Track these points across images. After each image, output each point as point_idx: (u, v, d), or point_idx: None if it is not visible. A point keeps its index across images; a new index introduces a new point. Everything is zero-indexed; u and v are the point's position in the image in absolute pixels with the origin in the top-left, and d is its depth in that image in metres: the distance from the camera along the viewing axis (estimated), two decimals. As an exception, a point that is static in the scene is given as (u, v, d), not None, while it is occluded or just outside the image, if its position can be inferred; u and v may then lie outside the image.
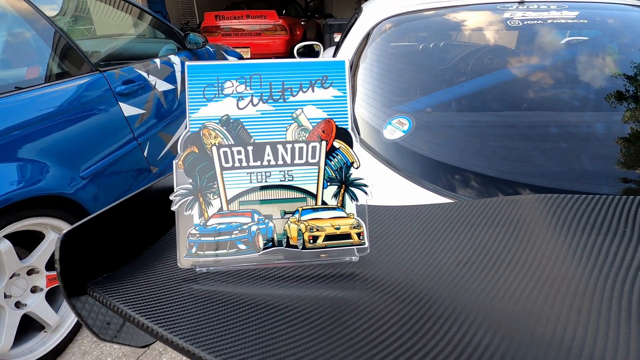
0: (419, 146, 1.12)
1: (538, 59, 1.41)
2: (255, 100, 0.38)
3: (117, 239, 0.38)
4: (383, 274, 0.37)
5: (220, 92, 0.37)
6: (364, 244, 0.38)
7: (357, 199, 0.39)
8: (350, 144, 0.39)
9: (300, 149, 0.38)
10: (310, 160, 0.38)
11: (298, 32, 7.07)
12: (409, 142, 1.15)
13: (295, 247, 0.38)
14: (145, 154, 2.42)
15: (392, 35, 1.67)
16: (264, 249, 0.37)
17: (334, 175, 0.38)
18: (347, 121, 0.39)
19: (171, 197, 0.36)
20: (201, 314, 0.31)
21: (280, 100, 0.38)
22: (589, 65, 1.41)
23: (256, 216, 0.38)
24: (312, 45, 3.07)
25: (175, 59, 2.95)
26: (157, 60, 2.72)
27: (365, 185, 0.39)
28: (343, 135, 0.39)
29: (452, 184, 0.98)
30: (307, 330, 0.29)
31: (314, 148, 0.38)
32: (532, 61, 1.37)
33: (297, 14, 7.94)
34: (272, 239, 0.38)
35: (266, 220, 0.38)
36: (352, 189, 0.39)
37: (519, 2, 1.64)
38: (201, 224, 0.37)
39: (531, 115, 1.17)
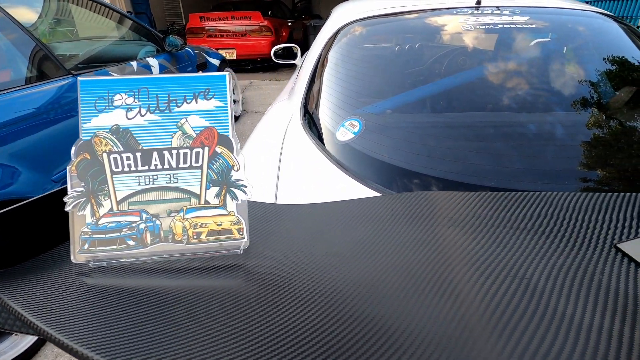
0: (367, 147, 1.18)
1: (488, 62, 1.47)
2: (143, 111, 0.42)
3: (15, 240, 0.42)
4: (263, 265, 0.42)
5: (110, 104, 0.42)
6: (244, 238, 0.43)
7: (237, 198, 0.43)
8: (231, 149, 0.43)
9: (185, 154, 0.43)
10: (194, 164, 0.43)
11: (284, 33, 7.11)
12: (358, 143, 1.20)
13: (181, 242, 0.42)
14: (121, 156, 2.44)
15: (353, 39, 1.72)
16: (151, 244, 0.42)
17: (216, 177, 0.43)
18: (228, 129, 0.43)
19: (65, 199, 0.41)
20: (88, 306, 0.36)
21: (166, 111, 0.42)
22: (537, 68, 1.47)
23: (144, 215, 0.42)
24: (291, 47, 3.11)
25: (153, 62, 2.97)
26: (134, 63, 2.74)
27: (245, 186, 0.43)
28: (224, 141, 0.43)
29: (395, 184, 1.03)
30: (189, 318, 0.33)
31: (197, 153, 0.43)
32: (482, 64, 1.43)
33: (284, 15, 7.96)
34: (159, 235, 0.42)
35: (153, 219, 0.42)
36: (232, 189, 0.43)
37: (475, 7, 1.70)
38: (93, 222, 0.41)
39: (473, 116, 1.22)
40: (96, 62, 2.68)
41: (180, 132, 0.43)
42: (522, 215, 0.45)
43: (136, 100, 0.42)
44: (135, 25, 3.12)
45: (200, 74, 0.45)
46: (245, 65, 6.68)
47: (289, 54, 3.13)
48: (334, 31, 1.76)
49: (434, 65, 1.50)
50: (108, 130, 0.42)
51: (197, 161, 0.43)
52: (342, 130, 1.31)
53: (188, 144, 0.43)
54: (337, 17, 1.91)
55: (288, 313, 0.33)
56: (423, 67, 1.52)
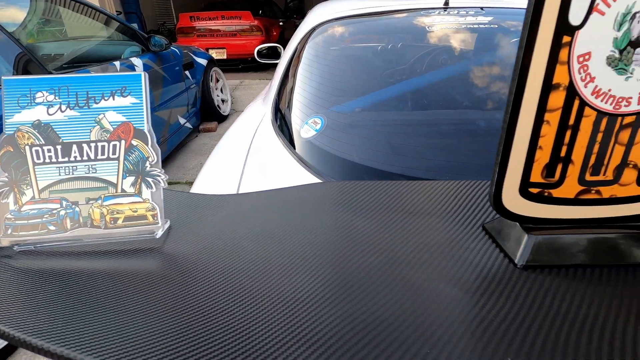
0: (326, 144, 1.22)
1: (452, 62, 1.51)
2: (64, 107, 0.46)
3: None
4: (178, 247, 0.46)
5: (32, 101, 0.46)
6: (158, 223, 0.47)
7: (152, 187, 0.47)
8: (147, 142, 0.47)
9: (103, 146, 0.46)
10: (111, 156, 0.46)
11: (274, 33, 7.13)
12: (318, 140, 1.25)
13: (99, 227, 0.46)
14: (103, 155, 2.46)
15: (324, 39, 1.76)
16: (71, 229, 0.46)
17: (132, 167, 0.47)
18: (143, 123, 0.47)
19: (-11, 188, 0.44)
20: (10, 287, 0.39)
21: (85, 107, 0.46)
22: (499, 67, 1.51)
23: (64, 203, 0.46)
24: (275, 47, 3.14)
25: (137, 62, 2.99)
26: (117, 63, 2.76)
27: (159, 176, 0.47)
28: (140, 135, 0.47)
29: (347, 178, 1.07)
30: (110, 296, 0.37)
31: (114, 146, 0.46)
32: (446, 64, 1.47)
33: (275, 15, 7.98)
34: (78, 221, 0.46)
35: (73, 206, 0.46)
36: (147, 178, 0.47)
37: (443, 8, 1.75)
38: (16, 209, 0.45)
39: (429, 114, 1.26)
40: (80, 62, 2.70)
41: (98, 127, 0.46)
42: (419, 201, 0.50)
43: (57, 98, 0.46)
44: (120, 25, 3.14)
45: (116, 73, 0.49)
46: (236, 65, 6.70)
47: (274, 53, 3.16)
48: (307, 31, 1.81)
49: (400, 66, 1.54)
50: (30, 125, 0.46)
51: (114, 153, 0.47)
52: (306, 127, 1.36)
53: (106, 138, 0.47)
54: (312, 17, 1.95)
55: (196, 291, 0.37)
56: (390, 67, 1.56)
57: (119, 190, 0.47)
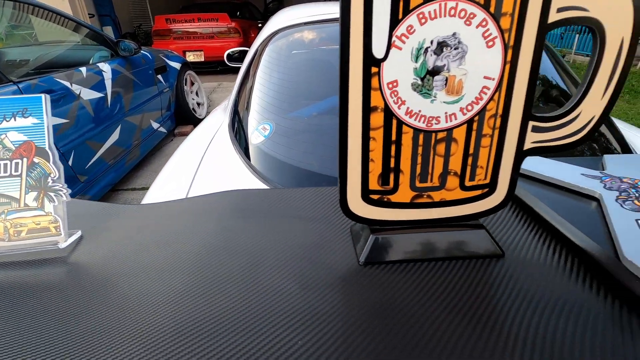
0: (273, 149, 1.27)
1: None
2: (-34, 129, 0.50)
3: None
4: (81, 256, 0.50)
5: None
6: (61, 234, 0.51)
7: (54, 201, 0.51)
8: (48, 160, 0.51)
9: (5, 164, 0.50)
10: (13, 173, 0.50)
11: (252, 35, 7.13)
12: (266, 145, 1.29)
13: (3, 239, 0.50)
14: (70, 163, 2.46)
15: (281, 46, 1.81)
16: (-24, 242, 0.49)
17: (34, 183, 0.51)
18: (44, 142, 0.51)
19: None
20: None
21: (-13, 129, 0.50)
22: None
23: (-31, 217, 0.49)
24: (246, 50, 3.16)
25: (105, 67, 2.98)
26: (83, 69, 2.75)
27: (61, 190, 0.51)
28: (42, 153, 0.51)
29: (289, 182, 1.12)
30: (15, 304, 0.41)
31: (16, 163, 0.50)
32: None
33: (253, 17, 7.97)
34: (-17, 234, 0.50)
35: (-23, 220, 0.50)
36: (50, 193, 0.51)
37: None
38: None
39: None
40: (46, 69, 2.67)
41: (0, 146, 0.50)
42: (304, 206, 0.55)
43: (-41, 120, 0.50)
44: (88, 30, 3.11)
45: (18, 96, 0.52)
46: (214, 68, 6.68)
47: (245, 57, 3.18)
48: (267, 36, 1.85)
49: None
50: None
51: (16, 170, 0.50)
52: (256, 133, 1.40)
53: (8, 156, 0.50)
54: (274, 22, 1.99)
55: (90, 297, 0.41)
56: (335, 73, 1.61)
57: (22, 205, 0.51)
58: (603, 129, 1.34)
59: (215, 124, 1.75)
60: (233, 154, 1.37)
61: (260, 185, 1.10)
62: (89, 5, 6.27)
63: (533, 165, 0.58)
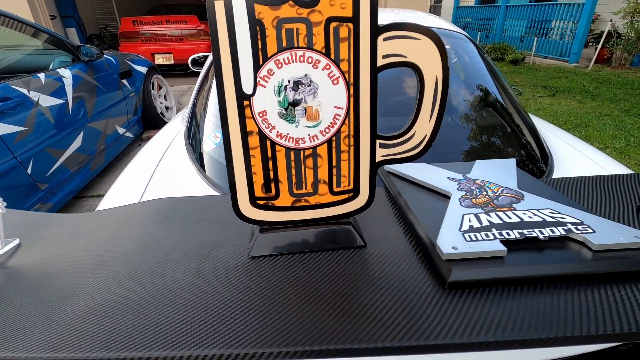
0: (222, 155, 1.34)
1: None
2: None
3: None
4: (18, 262, 0.57)
5: None
6: (-3, 241, 0.58)
7: (-10, 213, 0.58)
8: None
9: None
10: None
11: (223, 36, 7.10)
12: (216, 153, 1.37)
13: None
14: (29, 171, 2.43)
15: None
16: None
17: (-29, 198, 0.57)
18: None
19: None
20: None
21: None
22: (396, 81, 1.69)
23: None
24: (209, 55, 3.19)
25: (65, 73, 2.95)
26: (42, 75, 2.72)
27: (-3, 203, 0.58)
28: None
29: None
30: None
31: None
32: None
33: (223, 18, 7.91)
34: None
35: None
36: (-14, 206, 0.58)
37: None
38: None
39: None
40: (1, 75, 2.63)
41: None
42: (219, 211, 0.64)
43: None
44: (47, 35, 3.06)
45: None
46: (184, 70, 6.62)
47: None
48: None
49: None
50: None
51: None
52: (208, 141, 1.47)
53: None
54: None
55: (24, 294, 0.48)
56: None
57: (-40, 216, 0.57)
58: (525, 131, 1.49)
59: (174, 130, 1.81)
60: (187, 161, 1.44)
61: (211, 192, 1.17)
62: (50, 7, 6.07)
63: (409, 169, 0.69)
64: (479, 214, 0.53)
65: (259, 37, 0.44)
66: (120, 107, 3.58)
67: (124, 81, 3.73)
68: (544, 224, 0.50)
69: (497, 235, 0.48)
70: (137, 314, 0.43)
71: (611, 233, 0.47)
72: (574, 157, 1.44)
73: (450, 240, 0.47)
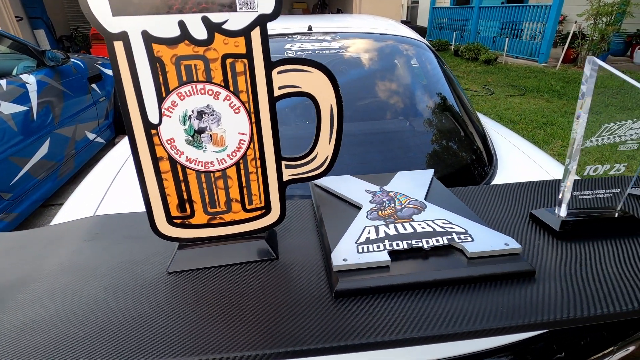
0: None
1: None
2: None
3: None
4: None
5: None
6: None
7: None
8: None
9: None
10: None
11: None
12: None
13: None
14: (-10, 180, 2.38)
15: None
16: None
17: None
18: None
19: None
20: None
21: None
22: (357, 89, 1.74)
23: None
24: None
25: (29, 79, 2.89)
26: (3, 82, 2.66)
27: None
28: None
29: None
30: None
31: None
32: None
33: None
34: None
35: None
36: None
37: (308, 33, 1.95)
38: None
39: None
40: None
41: None
42: (143, 227, 0.68)
43: None
44: (9, 40, 2.99)
45: None
46: (159, 72, 6.51)
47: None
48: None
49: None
50: None
51: None
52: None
53: None
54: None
55: None
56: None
57: None
58: (475, 136, 1.57)
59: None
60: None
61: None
62: (15, 7, 5.85)
63: (333, 181, 0.75)
64: (379, 226, 0.59)
65: (159, 72, 0.48)
66: (90, 112, 3.52)
67: (94, 85, 3.67)
68: (433, 234, 0.56)
69: (387, 247, 0.53)
70: (46, 332, 0.46)
71: (486, 241, 0.54)
72: (518, 159, 1.53)
73: (344, 252, 0.53)
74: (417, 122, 1.56)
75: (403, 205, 0.65)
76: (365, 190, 0.71)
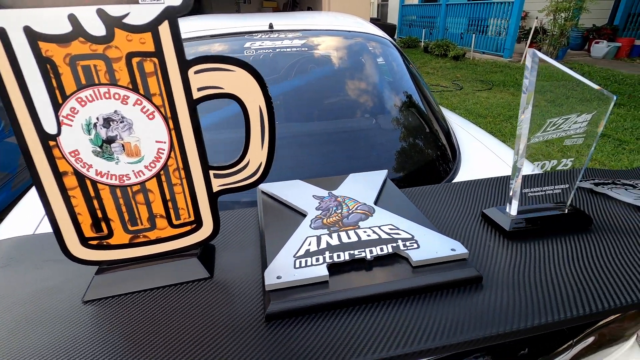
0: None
1: (273, 81, 1.64)
2: None
3: None
4: None
5: None
6: None
7: None
8: None
9: None
10: None
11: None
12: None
13: None
14: None
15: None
16: None
17: None
18: None
19: None
20: None
21: None
22: (316, 87, 1.70)
23: None
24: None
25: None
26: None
27: None
28: None
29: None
30: None
31: None
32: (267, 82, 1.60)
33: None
34: None
35: None
36: None
37: (269, 31, 1.89)
38: None
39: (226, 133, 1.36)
40: None
41: None
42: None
43: None
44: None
45: None
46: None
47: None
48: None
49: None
50: None
51: None
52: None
53: None
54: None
55: None
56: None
57: None
58: (439, 132, 1.56)
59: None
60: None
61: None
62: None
63: (281, 187, 0.70)
64: (321, 236, 0.54)
65: (51, 75, 0.41)
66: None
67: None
68: (377, 242, 0.52)
69: (327, 259, 0.49)
70: None
71: (432, 247, 0.50)
72: (482, 154, 1.54)
73: (279, 268, 0.48)
74: (380, 120, 1.53)
75: (350, 211, 0.61)
76: (313, 196, 0.67)
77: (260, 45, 1.76)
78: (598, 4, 7.49)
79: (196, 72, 0.45)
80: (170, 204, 0.51)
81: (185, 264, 0.53)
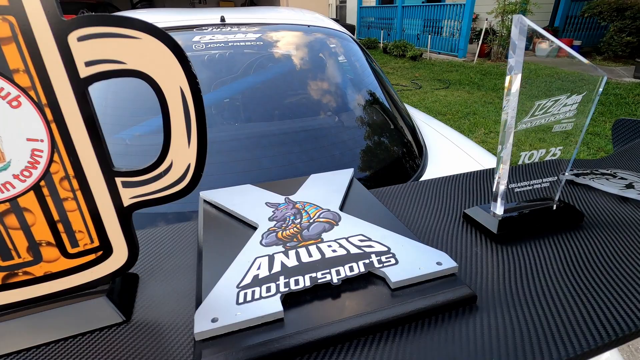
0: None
1: (225, 76, 1.50)
2: None
3: None
4: None
5: None
6: None
7: None
8: None
9: None
10: None
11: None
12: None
13: None
14: None
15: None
16: None
17: None
18: None
19: None
20: None
21: None
22: (268, 83, 1.57)
23: None
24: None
25: None
26: None
27: None
28: None
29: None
30: None
31: None
32: (219, 79, 1.45)
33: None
34: None
35: None
36: None
37: (220, 24, 1.73)
38: None
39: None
40: None
41: None
42: None
43: None
44: None
45: None
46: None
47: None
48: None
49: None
50: None
51: None
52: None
53: None
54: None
55: None
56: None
57: None
58: (404, 129, 1.50)
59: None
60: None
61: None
62: None
63: (227, 194, 0.58)
64: (275, 255, 0.43)
65: None
66: None
67: None
68: (346, 259, 0.41)
69: (282, 287, 0.37)
70: None
71: (414, 262, 0.41)
72: (448, 149, 1.50)
73: (215, 306, 0.36)
74: (343, 118, 1.44)
75: (312, 220, 0.50)
76: (266, 204, 0.55)
77: (211, 39, 1.61)
78: (540, 7, 8.01)
79: (80, 39, 0.32)
80: (60, 226, 0.37)
81: (89, 306, 0.39)
